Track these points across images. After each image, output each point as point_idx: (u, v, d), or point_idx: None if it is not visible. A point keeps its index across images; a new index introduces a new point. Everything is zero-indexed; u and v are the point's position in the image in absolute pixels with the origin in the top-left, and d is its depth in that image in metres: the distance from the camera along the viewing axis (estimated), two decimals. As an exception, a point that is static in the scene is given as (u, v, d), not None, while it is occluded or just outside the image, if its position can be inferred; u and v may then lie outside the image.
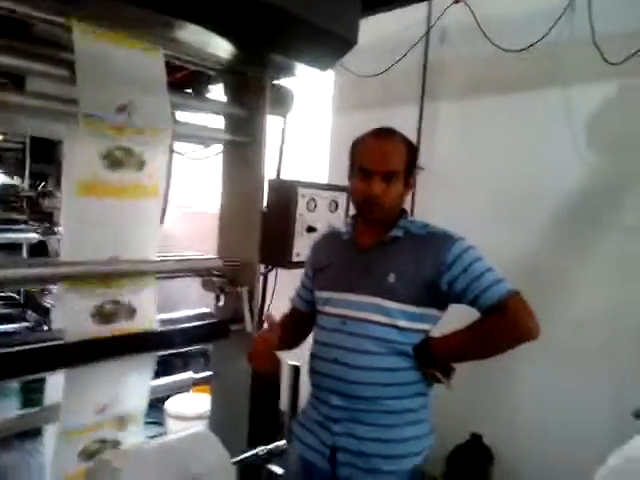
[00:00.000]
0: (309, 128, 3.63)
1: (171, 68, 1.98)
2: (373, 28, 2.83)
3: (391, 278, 1.33)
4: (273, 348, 1.44)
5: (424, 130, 2.87)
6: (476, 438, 2.47)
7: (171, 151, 2.62)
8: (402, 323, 1.32)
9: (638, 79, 2.23)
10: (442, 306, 1.39)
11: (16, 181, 4.12)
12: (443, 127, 2.84)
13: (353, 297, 1.37)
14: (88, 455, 1.66)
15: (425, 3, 2.72)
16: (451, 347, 1.35)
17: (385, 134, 1.40)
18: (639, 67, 2.15)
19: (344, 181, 1.84)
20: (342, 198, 2.15)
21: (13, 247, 3.96)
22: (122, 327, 1.69)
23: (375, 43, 2.91)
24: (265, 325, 1.50)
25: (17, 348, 1.48)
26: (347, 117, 3.20)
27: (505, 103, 2.57)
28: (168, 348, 1.84)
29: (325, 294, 1.44)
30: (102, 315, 1.64)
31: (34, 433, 2.65)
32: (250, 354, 1.49)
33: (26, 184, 4.04)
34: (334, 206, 2.13)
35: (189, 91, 2.19)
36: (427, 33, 2.80)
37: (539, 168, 2.48)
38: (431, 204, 2.80)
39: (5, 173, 4.23)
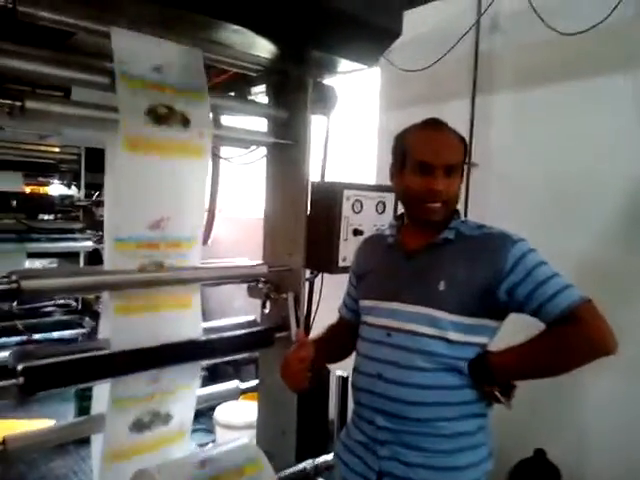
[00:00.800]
0: (356, 128, 3.54)
1: (213, 71, 1.95)
2: (420, 20, 2.72)
3: (442, 285, 1.21)
4: (305, 366, 1.33)
5: (477, 125, 2.72)
6: (540, 454, 2.29)
7: (216, 156, 2.62)
8: (453, 336, 1.19)
9: None
10: (499, 316, 1.25)
11: (73, 191, 4.27)
12: (498, 121, 2.68)
13: (399, 306, 1.25)
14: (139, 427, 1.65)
15: (474, -9, 2.59)
16: (513, 362, 1.20)
17: (440, 125, 1.29)
18: None
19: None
20: (390, 199, 2.05)
21: (72, 255, 4.12)
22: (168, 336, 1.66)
23: (422, 36, 2.80)
24: (295, 343, 1.39)
25: (64, 358, 1.48)
26: (395, 114, 3.09)
27: (565, 91, 2.39)
28: (212, 357, 1.80)
29: (368, 303, 1.34)
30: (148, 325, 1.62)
31: (88, 440, 2.71)
32: (282, 374, 1.39)
33: (82, 194, 4.19)
34: (382, 207, 2.03)
35: (231, 94, 2.16)
36: (477, 21, 2.65)
37: (605, 161, 2.28)
38: (487, 204, 2.65)
39: (62, 184, 4.40)
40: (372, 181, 3.16)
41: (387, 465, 1.23)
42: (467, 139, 2.60)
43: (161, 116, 1.56)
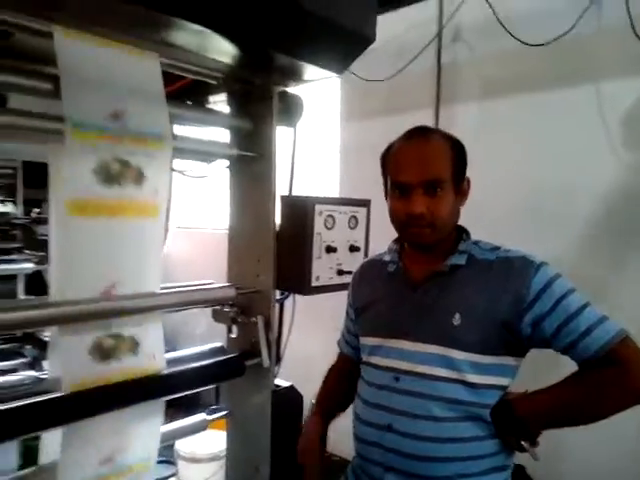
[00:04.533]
0: (317, 139, 3.44)
1: (168, 77, 1.80)
2: (381, 29, 2.68)
3: (456, 320, 1.07)
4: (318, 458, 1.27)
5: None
6: (520, 470, 2.26)
7: (171, 169, 2.45)
8: (472, 378, 1.06)
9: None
10: (521, 353, 1.12)
11: (9, 208, 3.93)
12: (462, 131, 2.64)
13: (408, 345, 1.11)
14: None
15: (435, 1, 2.56)
16: (543, 409, 1.07)
17: (420, 134, 1.15)
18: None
19: (356, 194, 1.64)
20: (362, 213, 1.95)
21: (8, 278, 3.77)
22: (125, 365, 1.48)
23: (383, 45, 2.71)
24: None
25: (8, 405, 1.27)
26: (356, 125, 3.02)
27: (528, 101, 2.40)
28: (178, 392, 1.62)
29: (371, 340, 1.19)
30: (102, 351, 1.43)
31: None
32: (299, 460, 1.31)
33: (19, 211, 3.85)
34: (354, 222, 1.92)
35: (188, 103, 2.00)
36: (439, 32, 2.63)
37: (570, 168, 2.30)
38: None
39: (-4, 200, 4.05)
40: (336, 194, 3.07)
41: None
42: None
43: (113, 175, 1.38)
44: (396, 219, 1.13)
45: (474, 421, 1.06)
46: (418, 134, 1.15)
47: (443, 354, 1.07)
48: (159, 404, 1.60)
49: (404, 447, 1.07)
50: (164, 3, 1.31)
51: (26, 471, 1.56)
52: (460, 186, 1.15)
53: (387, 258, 1.25)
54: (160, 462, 2.22)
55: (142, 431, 1.58)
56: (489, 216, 2.48)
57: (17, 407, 1.29)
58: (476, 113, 2.59)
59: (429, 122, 2.66)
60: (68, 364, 1.38)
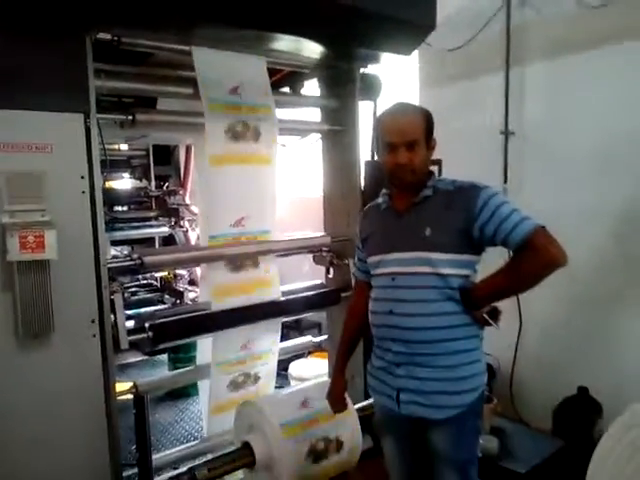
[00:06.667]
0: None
1: (270, 71, 2.26)
2: (452, 1, 2.94)
3: (427, 232, 1.45)
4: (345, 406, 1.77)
5: (512, 97, 2.91)
6: (583, 391, 2.52)
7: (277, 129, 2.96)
8: (444, 270, 1.44)
9: None
10: (478, 251, 1.49)
11: (144, 183, 4.74)
12: (531, 92, 2.86)
13: (398, 255, 1.51)
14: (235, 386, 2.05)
15: (503, -31, 2.76)
16: (489, 289, 1.46)
17: (399, 109, 1.53)
18: None
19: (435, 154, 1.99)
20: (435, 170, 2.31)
21: (147, 240, 4.59)
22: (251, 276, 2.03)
23: (456, 15, 2.99)
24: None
25: (179, 317, 1.88)
26: (434, 92, 3.30)
27: (594, 59, 2.55)
28: (291, 314, 2.15)
29: (375, 258, 1.58)
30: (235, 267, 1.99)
31: (184, 395, 3.17)
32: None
33: (152, 185, 4.65)
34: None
35: (286, 90, 2.47)
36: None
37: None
38: (525, 170, 2.85)
39: (133, 177, 4.87)
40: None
41: (403, 382, 1.48)
42: (503, 109, 2.83)
43: (238, 133, 1.92)
44: (387, 168, 1.52)
45: (449, 301, 1.46)
46: (398, 108, 1.54)
47: (421, 257, 1.46)
48: (278, 324, 2.15)
49: (402, 323, 1.48)
50: (267, 25, 1.78)
51: (187, 369, 2.20)
52: (429, 143, 1.52)
53: (380, 201, 1.64)
54: (276, 388, 2.82)
55: (266, 356, 2.15)
56: (566, 170, 2.69)
57: (186, 318, 1.87)
58: (544, 73, 2.76)
59: (500, 84, 2.90)
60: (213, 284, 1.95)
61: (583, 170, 2.63)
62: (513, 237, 1.38)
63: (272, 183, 2.07)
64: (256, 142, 1.97)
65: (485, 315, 1.47)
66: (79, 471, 1.59)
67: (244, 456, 1.69)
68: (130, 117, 1.76)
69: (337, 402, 1.74)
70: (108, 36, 1.70)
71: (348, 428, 1.89)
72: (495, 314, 1.50)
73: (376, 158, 2.42)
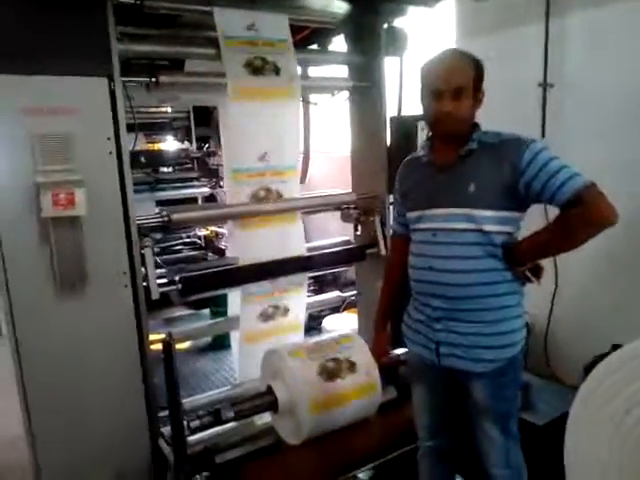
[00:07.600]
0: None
1: (295, 29, 2.26)
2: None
3: (471, 188, 1.42)
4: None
5: (551, 47, 2.77)
6: (616, 348, 2.48)
7: (306, 102, 2.97)
8: (487, 227, 1.42)
9: None
10: (522, 208, 1.46)
11: (186, 145, 4.87)
12: (571, 42, 2.71)
13: (439, 211, 1.48)
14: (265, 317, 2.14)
15: None
16: (534, 246, 1.44)
17: (449, 54, 1.47)
18: None
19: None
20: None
21: (191, 200, 4.77)
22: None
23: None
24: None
25: (208, 270, 1.99)
26: (471, 43, 3.18)
27: (636, 9, 2.38)
28: (317, 269, 2.22)
29: (415, 213, 1.58)
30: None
31: (225, 346, 3.35)
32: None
33: (194, 147, 4.77)
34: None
35: (313, 47, 2.46)
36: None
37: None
38: (565, 124, 2.74)
39: (176, 139, 5.01)
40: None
41: (443, 336, 1.50)
42: (542, 61, 2.71)
43: (257, 67, 1.94)
44: (430, 116, 1.47)
45: (490, 257, 1.45)
46: (447, 53, 1.47)
47: (465, 213, 1.43)
48: (304, 276, 2.23)
49: (441, 279, 1.48)
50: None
51: (219, 319, 2.33)
52: (477, 95, 1.45)
53: (421, 153, 1.60)
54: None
55: (293, 289, 2.19)
56: (609, 114, 2.57)
57: (214, 272, 1.98)
58: (584, 23, 2.60)
59: (540, 34, 2.76)
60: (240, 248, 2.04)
61: (624, 123, 2.51)
62: (562, 193, 1.34)
63: (295, 117, 2.09)
64: (277, 76, 1.99)
65: (527, 272, 1.47)
66: (115, 414, 1.75)
67: (267, 399, 1.80)
68: (154, 79, 1.82)
69: (381, 356, 1.82)
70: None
71: (357, 351, 1.92)
72: (537, 271, 1.49)
73: (403, 114, 2.41)
